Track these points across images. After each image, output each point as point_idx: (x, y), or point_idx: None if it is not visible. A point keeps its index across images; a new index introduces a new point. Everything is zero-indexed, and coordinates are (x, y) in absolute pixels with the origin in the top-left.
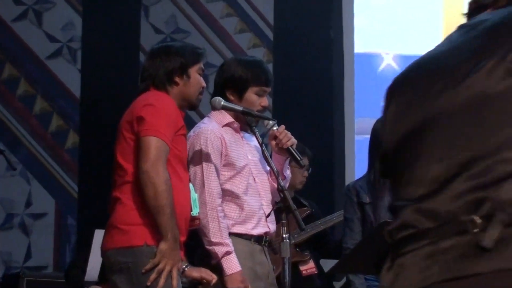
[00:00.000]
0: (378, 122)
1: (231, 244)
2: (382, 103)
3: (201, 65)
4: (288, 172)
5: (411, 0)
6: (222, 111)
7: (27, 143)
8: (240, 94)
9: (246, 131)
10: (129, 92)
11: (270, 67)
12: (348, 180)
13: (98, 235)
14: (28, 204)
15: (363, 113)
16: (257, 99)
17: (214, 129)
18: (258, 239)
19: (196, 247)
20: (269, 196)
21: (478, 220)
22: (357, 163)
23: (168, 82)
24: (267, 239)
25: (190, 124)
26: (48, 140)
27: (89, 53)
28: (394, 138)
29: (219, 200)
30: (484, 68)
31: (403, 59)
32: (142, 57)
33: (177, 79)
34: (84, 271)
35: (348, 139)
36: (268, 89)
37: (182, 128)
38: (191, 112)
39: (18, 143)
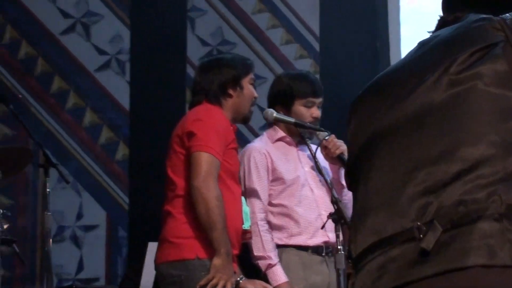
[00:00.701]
0: None
1: (274, 257)
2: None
3: (252, 75)
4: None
5: None
6: (276, 127)
7: (77, 155)
8: (287, 108)
9: (303, 144)
10: (176, 103)
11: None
12: None
13: (151, 247)
14: (80, 216)
15: None
16: (306, 111)
17: (259, 146)
18: (316, 249)
19: (250, 259)
20: (330, 206)
21: (422, 226)
22: None
23: (222, 94)
24: (329, 249)
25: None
26: (98, 152)
27: (138, 65)
28: (353, 152)
29: (261, 215)
30: (429, 80)
31: None
32: (189, 69)
33: (230, 91)
34: (137, 283)
35: None
36: (317, 100)
37: (233, 142)
38: (245, 130)
39: (68, 155)
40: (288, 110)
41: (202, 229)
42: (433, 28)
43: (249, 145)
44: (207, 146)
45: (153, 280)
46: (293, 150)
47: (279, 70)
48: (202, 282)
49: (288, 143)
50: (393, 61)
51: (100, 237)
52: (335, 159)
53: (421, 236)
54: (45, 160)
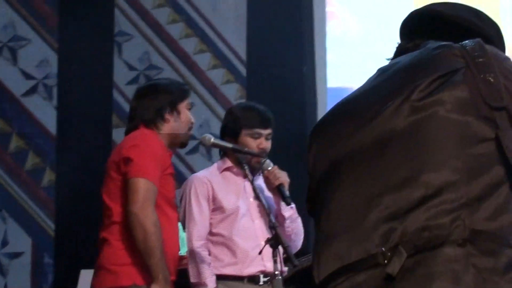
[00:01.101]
0: None
1: (210, 283)
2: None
3: (188, 100)
4: (287, 214)
5: (382, 35)
6: (225, 158)
7: (2, 181)
8: (235, 138)
9: (254, 174)
10: (103, 128)
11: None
12: None
13: (84, 275)
14: (4, 243)
15: None
16: (253, 142)
17: (201, 176)
18: (253, 278)
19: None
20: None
21: (386, 252)
22: None
23: (159, 119)
24: (268, 277)
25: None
26: (24, 178)
27: (65, 90)
28: (315, 177)
29: (198, 243)
30: (391, 107)
31: None
32: (116, 94)
33: (167, 116)
34: None
35: None
36: (264, 131)
37: (170, 168)
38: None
39: None
40: (236, 141)
41: (139, 256)
42: (385, 55)
43: (193, 175)
44: (144, 172)
45: None
46: (239, 180)
47: (206, 95)
48: None
49: (235, 174)
50: (319, 85)
51: (25, 265)
52: (274, 190)
53: (385, 261)
54: None
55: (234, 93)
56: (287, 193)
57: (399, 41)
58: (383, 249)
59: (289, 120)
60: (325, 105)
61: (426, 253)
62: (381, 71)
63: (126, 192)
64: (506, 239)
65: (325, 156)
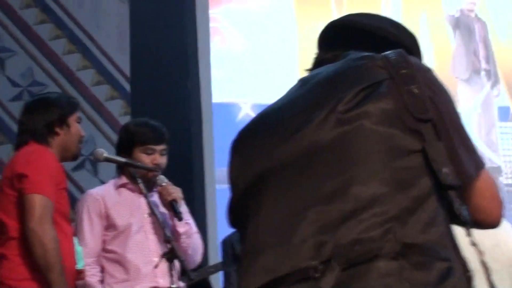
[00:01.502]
0: None
1: None
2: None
3: (78, 114)
4: (182, 230)
5: (267, 50)
6: (122, 175)
7: None
8: (129, 154)
9: (150, 190)
10: None
11: (127, 119)
12: (210, 230)
13: None
14: None
15: (224, 162)
16: (147, 158)
17: (95, 192)
18: None
19: None
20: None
21: (318, 265)
22: (218, 213)
23: (49, 133)
24: None
25: None
26: None
27: None
28: (237, 191)
29: (87, 260)
30: (317, 119)
31: (261, 107)
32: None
33: (57, 130)
34: None
35: (208, 189)
36: (158, 147)
37: (63, 182)
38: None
39: None
40: (130, 157)
41: (38, 271)
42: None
43: (87, 191)
44: (40, 188)
45: None
46: (135, 196)
47: (90, 111)
48: None
49: (131, 190)
50: (204, 100)
51: None
52: (167, 206)
53: (317, 275)
54: None
55: (118, 109)
56: (179, 209)
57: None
58: (313, 262)
59: (174, 135)
60: (210, 120)
61: (359, 266)
62: (302, 82)
63: (21, 208)
64: (436, 252)
65: (249, 169)
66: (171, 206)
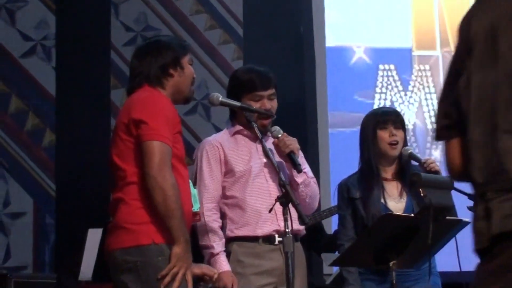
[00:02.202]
0: (368, 115)
1: (217, 246)
2: (355, 96)
3: (190, 55)
4: (300, 180)
5: None
6: (235, 122)
7: (3, 142)
8: None
9: (267, 134)
10: (101, 89)
11: (240, 63)
12: (323, 174)
13: (93, 234)
14: (6, 203)
15: (336, 106)
16: (255, 104)
17: (213, 140)
18: (268, 239)
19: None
20: None
21: None
22: (331, 157)
23: (163, 76)
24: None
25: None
26: (24, 139)
27: (63, 51)
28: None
29: (208, 205)
30: None
31: (374, 52)
32: (113, 55)
33: (172, 71)
34: (76, 271)
35: (321, 133)
36: (265, 92)
37: (178, 126)
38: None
39: None
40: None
41: (156, 215)
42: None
43: (205, 139)
44: (159, 135)
45: (93, 267)
46: (250, 142)
47: (203, 55)
48: (164, 272)
49: (246, 136)
50: (317, 45)
51: (27, 225)
52: (285, 157)
53: None
54: None
55: (231, 53)
56: (298, 160)
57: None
58: None
59: (288, 80)
60: (324, 65)
61: None
62: None
63: (139, 154)
64: None
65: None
66: (290, 157)
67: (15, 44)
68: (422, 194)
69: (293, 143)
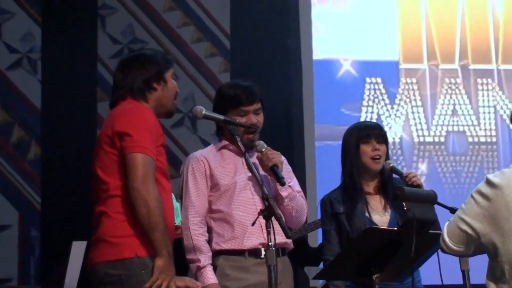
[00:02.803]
0: (350, 129)
1: (203, 259)
2: (341, 109)
3: (173, 70)
4: (285, 193)
5: (368, 7)
6: (222, 138)
7: None
8: None
9: (251, 150)
10: (87, 102)
11: (227, 76)
12: (309, 187)
13: (76, 246)
14: None
15: (323, 119)
16: (240, 120)
17: (198, 154)
18: (254, 252)
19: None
20: None
21: None
22: (318, 170)
23: (147, 89)
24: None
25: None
26: (9, 152)
27: (49, 63)
28: None
29: (194, 219)
30: None
31: (361, 64)
32: (100, 67)
33: (155, 85)
34: (60, 283)
35: (308, 146)
36: (250, 107)
37: (161, 139)
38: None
39: None
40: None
41: (139, 227)
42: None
43: (191, 154)
44: (141, 147)
45: (77, 279)
46: (236, 157)
47: (190, 68)
48: (147, 285)
49: (232, 151)
50: (304, 58)
51: (12, 237)
52: (269, 171)
53: None
54: None
55: (218, 66)
56: (281, 174)
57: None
58: None
59: (275, 93)
60: (311, 77)
61: None
62: None
63: (123, 167)
64: None
65: None
66: (273, 171)
67: (1, 56)
68: (405, 208)
69: (276, 156)
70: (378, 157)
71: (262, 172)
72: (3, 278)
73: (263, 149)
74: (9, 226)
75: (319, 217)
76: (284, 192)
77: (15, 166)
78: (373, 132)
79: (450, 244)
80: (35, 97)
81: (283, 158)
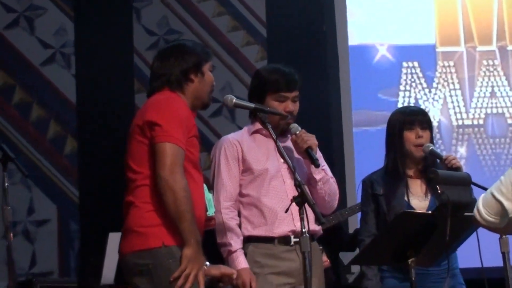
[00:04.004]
0: (395, 114)
1: (234, 244)
2: (379, 94)
3: (211, 63)
4: (318, 176)
5: None
6: (255, 121)
7: (26, 151)
8: (261, 102)
9: (284, 135)
10: (124, 94)
11: (264, 64)
12: (348, 173)
13: (112, 238)
14: (31, 211)
15: (360, 105)
16: (278, 105)
17: (231, 138)
18: (283, 239)
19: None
20: None
21: None
22: (356, 156)
23: (184, 80)
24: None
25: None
26: (46, 147)
27: (83, 57)
28: None
29: (226, 203)
30: None
31: (397, 49)
32: (136, 59)
33: (192, 77)
34: (98, 275)
35: (346, 132)
36: (290, 94)
37: (194, 130)
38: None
39: (16, 151)
40: (262, 104)
41: (166, 217)
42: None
43: (223, 137)
44: (171, 136)
45: (115, 270)
46: (270, 142)
47: (226, 57)
48: (176, 274)
49: (265, 135)
50: (340, 44)
51: (51, 231)
52: (303, 153)
53: None
54: (2, 154)
55: (254, 54)
56: (315, 155)
57: None
58: None
59: (311, 80)
60: (347, 64)
61: None
62: None
63: (152, 156)
64: None
65: None
66: (307, 153)
67: (35, 52)
68: (439, 191)
69: (310, 138)
70: (421, 145)
71: (296, 155)
72: (44, 271)
73: (298, 132)
74: (48, 220)
75: (358, 201)
76: (317, 175)
77: (52, 161)
78: (417, 118)
79: (484, 214)
80: (70, 92)
81: (316, 141)
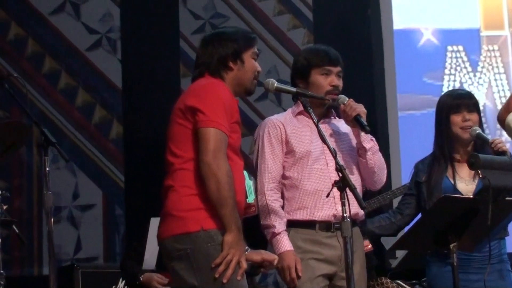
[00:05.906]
0: (442, 97)
1: (278, 226)
2: (423, 78)
3: (254, 49)
4: (368, 146)
5: None
6: (298, 102)
7: (71, 136)
8: (306, 80)
9: (330, 117)
10: (170, 79)
11: None
12: (393, 157)
13: (154, 223)
14: (76, 196)
15: (405, 89)
16: (324, 80)
17: (275, 119)
18: (325, 225)
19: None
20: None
21: None
22: (401, 140)
23: (222, 68)
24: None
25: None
26: (92, 132)
27: (129, 42)
28: None
29: (269, 185)
30: None
31: (442, 33)
32: (182, 43)
33: (231, 65)
34: (139, 260)
35: (391, 116)
36: (335, 69)
37: (237, 116)
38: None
39: (62, 136)
40: (307, 82)
41: (205, 201)
42: None
43: (267, 118)
44: (215, 122)
45: (156, 255)
46: (313, 124)
47: (272, 41)
48: (218, 260)
49: (309, 117)
50: (385, 28)
51: (97, 216)
52: (353, 121)
53: None
54: (43, 139)
55: (301, 38)
56: (365, 122)
57: None
58: None
59: (356, 63)
60: (392, 48)
61: None
62: None
63: (193, 141)
64: None
65: None
66: (357, 120)
67: (81, 37)
68: (480, 176)
69: (359, 106)
70: (468, 127)
71: (343, 135)
72: (90, 256)
73: (346, 101)
74: (94, 205)
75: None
76: (367, 144)
77: (98, 145)
78: (463, 101)
79: None
80: (115, 77)
81: (365, 110)
